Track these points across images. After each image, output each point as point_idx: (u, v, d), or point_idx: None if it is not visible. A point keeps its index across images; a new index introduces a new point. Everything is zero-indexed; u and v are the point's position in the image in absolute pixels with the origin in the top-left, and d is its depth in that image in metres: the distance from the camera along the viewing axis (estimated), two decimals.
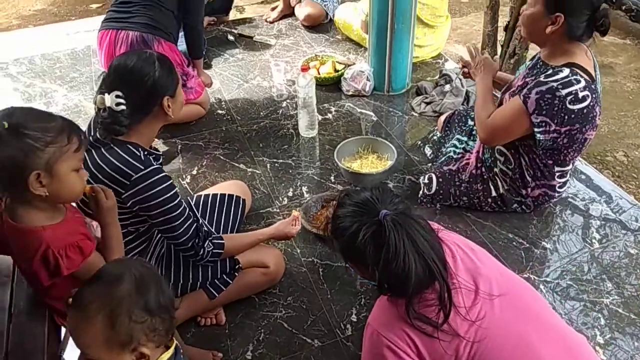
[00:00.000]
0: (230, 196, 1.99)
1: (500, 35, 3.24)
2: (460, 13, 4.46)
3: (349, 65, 3.09)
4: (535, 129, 1.76)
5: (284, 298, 1.87)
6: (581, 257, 1.99)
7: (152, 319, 1.00)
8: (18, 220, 1.16)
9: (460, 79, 2.82)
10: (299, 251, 2.04)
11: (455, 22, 3.99)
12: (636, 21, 3.98)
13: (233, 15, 3.99)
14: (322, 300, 1.86)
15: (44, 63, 3.48)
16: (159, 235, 1.66)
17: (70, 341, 1.11)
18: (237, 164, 2.52)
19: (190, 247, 1.55)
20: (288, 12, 3.88)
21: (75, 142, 1.16)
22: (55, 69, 3.41)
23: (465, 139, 2.27)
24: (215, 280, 1.72)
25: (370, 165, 2.39)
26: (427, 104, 2.83)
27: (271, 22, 3.84)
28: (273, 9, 3.94)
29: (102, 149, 1.45)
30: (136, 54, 1.49)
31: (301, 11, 3.71)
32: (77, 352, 1.04)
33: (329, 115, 2.85)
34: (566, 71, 1.70)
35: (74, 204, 1.34)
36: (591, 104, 1.72)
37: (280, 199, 2.30)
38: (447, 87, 2.80)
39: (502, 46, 3.18)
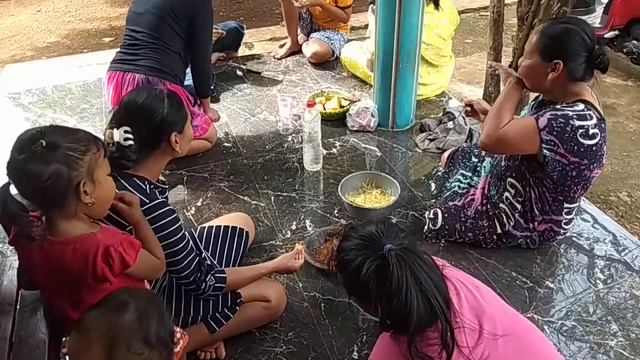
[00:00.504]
0: (234, 228, 2.00)
1: None
2: (464, 53, 4.55)
3: (354, 102, 3.14)
4: (544, 146, 1.75)
5: (284, 333, 1.85)
6: (586, 297, 1.97)
7: (150, 352, 0.99)
8: (61, 235, 1.19)
9: (464, 117, 2.86)
10: (301, 285, 2.03)
11: (459, 61, 4.08)
12: (637, 63, 4.05)
13: (242, 51, 4.09)
14: (323, 336, 1.84)
15: (56, 94, 3.56)
16: None
17: None
18: (241, 197, 2.53)
19: (192, 280, 1.55)
20: (296, 50, 3.98)
21: (101, 148, 1.23)
22: (66, 99, 3.48)
23: (469, 174, 2.28)
24: (217, 314, 1.70)
25: (374, 200, 2.40)
26: (431, 140, 2.87)
27: (279, 59, 3.93)
28: (281, 46, 4.04)
29: None
30: (146, 90, 1.53)
31: (308, 49, 3.80)
32: None
33: (334, 150, 2.88)
34: (581, 105, 1.71)
35: None
36: (599, 142, 1.74)
37: (284, 232, 2.30)
38: (450, 124, 2.84)
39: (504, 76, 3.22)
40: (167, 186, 1.61)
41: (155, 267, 1.39)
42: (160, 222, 1.46)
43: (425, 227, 2.19)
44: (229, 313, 1.72)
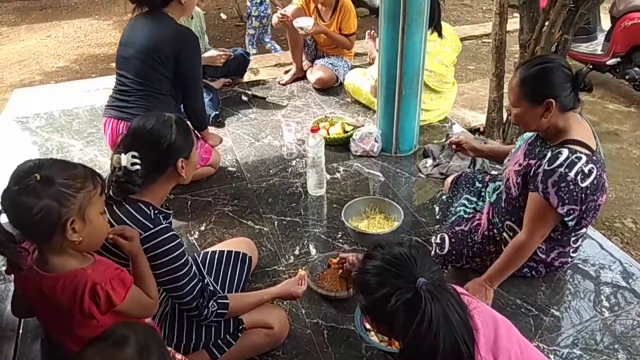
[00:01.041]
0: (237, 253, 2.00)
1: (506, 102, 3.32)
2: (467, 79, 4.60)
3: (357, 127, 3.16)
4: (566, 219, 1.77)
5: None
6: (592, 325, 1.94)
7: None
8: (51, 270, 1.20)
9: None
10: (303, 312, 2.01)
11: (462, 87, 4.12)
12: None
13: (247, 77, 4.15)
14: None
15: (63, 118, 3.61)
16: (164, 293, 1.66)
17: None
18: (245, 221, 2.54)
19: (194, 306, 1.54)
20: (300, 75, 4.03)
21: (98, 186, 1.23)
22: (73, 124, 3.52)
23: (474, 199, 2.28)
24: (219, 341, 1.69)
25: (377, 225, 2.39)
26: (434, 166, 2.88)
27: (284, 85, 3.98)
28: (286, 72, 4.10)
29: (114, 206, 1.48)
30: (155, 116, 1.55)
31: (313, 75, 3.86)
32: None
33: (337, 175, 2.90)
34: (565, 152, 1.72)
35: None
36: (598, 173, 1.75)
37: (287, 257, 2.30)
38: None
39: (507, 112, 3.25)
40: (171, 211, 1.62)
41: (147, 307, 1.37)
42: (164, 248, 1.46)
43: (432, 252, 2.17)
44: (231, 340, 1.70)
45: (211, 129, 3.05)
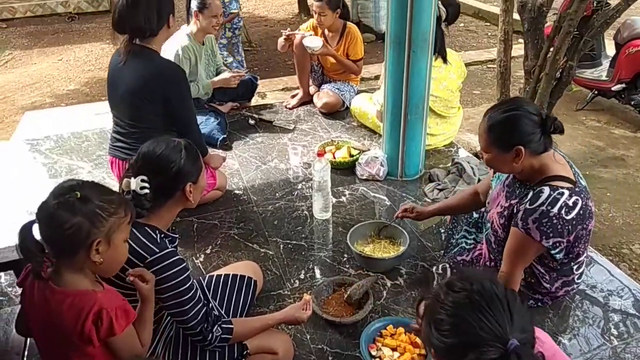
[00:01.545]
0: (242, 277, 1.99)
1: None
2: (472, 104, 4.62)
3: (363, 151, 3.18)
4: (552, 252, 1.77)
5: None
6: (601, 353, 1.91)
7: None
8: (64, 286, 1.23)
9: (472, 168, 2.88)
10: (308, 337, 2.00)
11: (467, 112, 4.14)
12: None
13: (255, 100, 4.19)
14: None
15: (73, 140, 3.65)
16: (169, 317, 1.66)
17: None
18: (250, 244, 2.54)
19: (198, 331, 1.54)
20: (307, 100, 4.08)
21: (129, 214, 1.28)
22: (82, 146, 3.57)
23: (473, 230, 2.27)
24: None
25: (383, 250, 2.39)
26: (440, 190, 2.88)
27: (291, 109, 4.03)
28: (293, 96, 4.15)
29: None
30: (164, 141, 1.58)
31: (319, 99, 3.90)
32: None
33: (343, 199, 2.90)
34: (546, 190, 1.71)
35: None
36: (584, 203, 1.74)
37: (292, 281, 2.29)
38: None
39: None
40: (177, 235, 1.63)
41: (135, 350, 1.35)
42: (169, 272, 1.47)
43: (435, 282, 2.16)
44: None
45: (218, 152, 3.07)
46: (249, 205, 2.86)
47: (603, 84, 4.18)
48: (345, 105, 3.89)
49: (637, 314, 2.08)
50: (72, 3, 8.09)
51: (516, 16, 3.34)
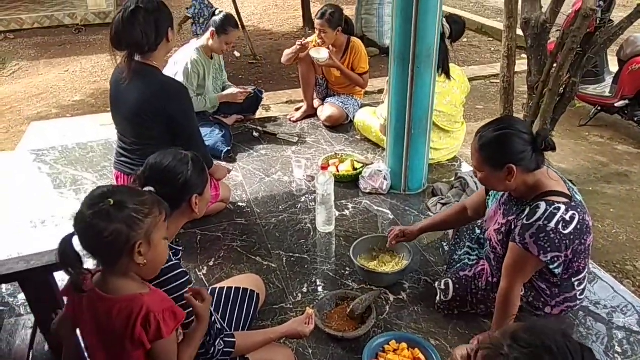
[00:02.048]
0: (245, 290, 1.99)
1: None
2: (475, 118, 4.64)
3: (367, 165, 3.19)
4: (551, 266, 1.77)
5: None
6: None
7: None
8: (111, 292, 1.24)
9: (476, 182, 2.88)
10: (310, 352, 1.99)
11: (471, 126, 4.15)
12: None
13: (259, 113, 4.22)
14: None
15: (78, 151, 3.67)
16: None
17: None
18: (253, 257, 2.54)
19: (201, 344, 1.53)
20: (311, 113, 4.10)
21: (163, 212, 1.29)
22: (87, 157, 3.59)
23: (475, 246, 2.27)
24: None
25: (386, 264, 2.38)
26: (443, 204, 2.88)
27: (295, 122, 4.05)
28: (297, 109, 4.18)
29: None
30: (172, 154, 1.60)
31: (323, 112, 3.93)
32: None
33: (347, 212, 2.91)
34: (543, 206, 1.72)
35: None
36: (581, 217, 1.75)
37: (295, 294, 2.29)
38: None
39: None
40: (181, 248, 1.64)
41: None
42: (173, 284, 1.47)
43: (437, 298, 2.16)
44: None
45: (222, 164, 3.09)
46: (252, 218, 2.86)
47: (606, 100, 4.19)
48: (349, 119, 3.92)
49: None
50: (79, 15, 8.19)
51: (519, 32, 3.36)
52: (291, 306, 2.22)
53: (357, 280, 2.37)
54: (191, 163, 1.58)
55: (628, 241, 2.96)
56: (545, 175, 1.80)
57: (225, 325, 1.80)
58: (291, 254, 2.55)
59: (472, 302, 2.09)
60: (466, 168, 3.36)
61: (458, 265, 2.24)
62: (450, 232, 2.50)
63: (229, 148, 3.52)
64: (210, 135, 3.49)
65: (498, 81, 3.68)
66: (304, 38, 3.87)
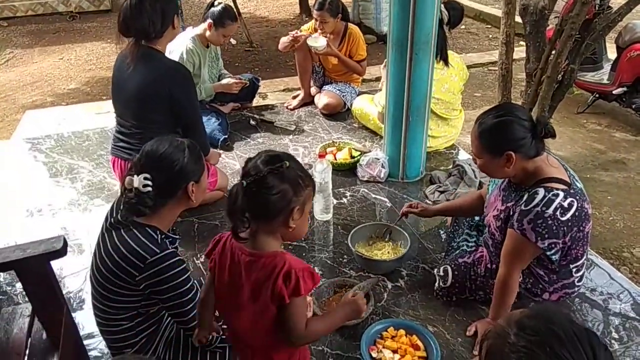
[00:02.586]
0: None
1: None
2: (473, 106, 4.62)
3: (364, 152, 3.18)
4: (548, 253, 1.78)
5: None
6: None
7: None
8: (258, 248, 1.30)
9: (474, 170, 2.88)
10: None
11: (469, 114, 4.13)
12: None
13: (256, 101, 4.19)
14: None
15: (73, 140, 3.65)
16: (169, 318, 1.65)
17: None
18: None
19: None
20: (308, 101, 4.08)
21: (313, 189, 1.36)
22: (83, 146, 3.56)
23: (474, 233, 2.28)
24: None
25: (384, 251, 2.39)
26: (441, 192, 2.88)
27: (292, 110, 4.03)
28: (294, 97, 4.15)
29: (121, 230, 1.49)
30: (168, 140, 1.58)
31: (321, 100, 3.90)
32: None
33: (344, 200, 2.90)
34: (541, 192, 1.72)
35: None
36: (579, 205, 1.75)
37: None
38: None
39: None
40: (178, 236, 1.63)
41: (299, 325, 1.31)
42: (169, 273, 1.47)
43: (436, 284, 2.16)
44: None
45: (215, 151, 3.07)
46: None
47: (604, 87, 4.18)
48: (347, 107, 3.89)
49: (637, 317, 2.08)
50: (74, 2, 8.09)
51: (518, 19, 3.34)
52: None
53: (355, 268, 2.37)
54: (187, 150, 1.57)
55: (625, 228, 2.97)
56: (545, 162, 1.79)
57: None
58: (289, 242, 2.55)
59: (470, 288, 2.10)
60: (464, 156, 3.35)
61: (456, 252, 2.25)
62: (449, 219, 2.50)
63: (226, 136, 3.50)
64: (207, 124, 3.46)
65: (496, 68, 3.67)
66: (297, 31, 3.83)
